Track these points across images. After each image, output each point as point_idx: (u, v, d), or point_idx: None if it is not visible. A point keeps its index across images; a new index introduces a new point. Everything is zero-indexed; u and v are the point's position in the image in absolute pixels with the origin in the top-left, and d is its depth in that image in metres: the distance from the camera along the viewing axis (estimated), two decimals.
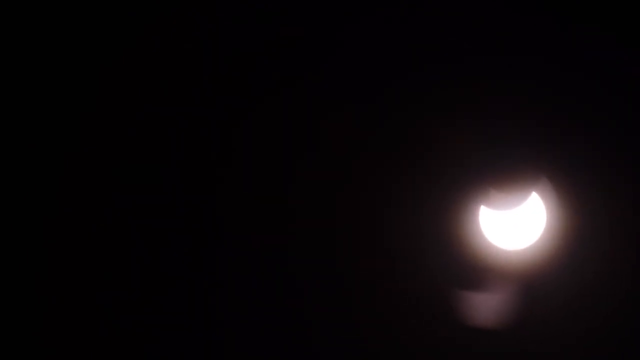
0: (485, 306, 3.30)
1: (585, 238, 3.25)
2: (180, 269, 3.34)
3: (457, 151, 3.18)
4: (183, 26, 3.12)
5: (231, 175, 3.27)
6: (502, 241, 3.23)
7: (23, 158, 3.22)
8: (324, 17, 3.13)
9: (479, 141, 3.17)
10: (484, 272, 3.25)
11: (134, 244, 3.31)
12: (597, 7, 3.07)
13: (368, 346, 3.41)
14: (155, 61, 3.15)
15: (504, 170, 3.15)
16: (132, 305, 3.35)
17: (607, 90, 3.16)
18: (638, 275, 3.31)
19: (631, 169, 3.24)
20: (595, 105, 3.18)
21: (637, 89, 3.16)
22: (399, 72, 3.16)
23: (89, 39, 3.13)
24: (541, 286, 3.29)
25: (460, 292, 3.30)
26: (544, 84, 3.15)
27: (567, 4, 3.08)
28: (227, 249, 3.34)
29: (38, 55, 3.14)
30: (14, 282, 3.31)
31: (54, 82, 3.17)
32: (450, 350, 3.38)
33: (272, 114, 3.21)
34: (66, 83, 3.17)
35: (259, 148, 3.25)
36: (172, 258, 3.33)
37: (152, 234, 3.30)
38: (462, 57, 3.14)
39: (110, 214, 3.28)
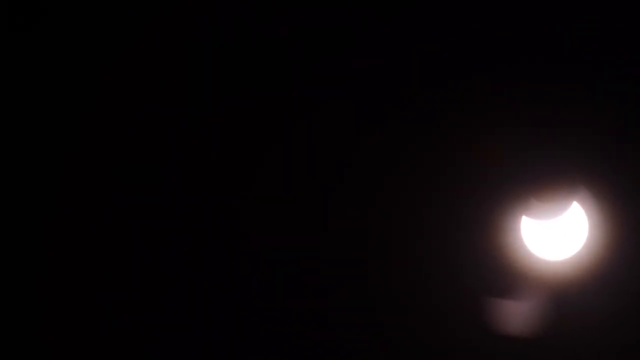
0: (526, 316, 3.28)
1: (628, 249, 3.22)
2: (180, 269, 3.34)
3: (498, 161, 3.16)
4: (183, 26, 3.11)
5: (231, 175, 3.27)
6: (544, 251, 3.20)
7: (23, 158, 3.22)
8: (325, 17, 3.13)
9: (520, 150, 3.15)
10: (525, 282, 3.23)
11: (134, 244, 3.31)
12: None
13: (400, 353, 3.40)
14: (155, 61, 3.15)
15: (545, 179, 3.13)
16: (132, 305, 3.35)
17: None
18: None
19: None
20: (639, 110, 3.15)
21: None
22: (431, 79, 3.16)
23: (89, 39, 3.13)
24: (583, 297, 3.26)
25: (501, 302, 3.28)
26: (584, 90, 3.13)
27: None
28: (227, 249, 3.34)
29: (38, 55, 3.14)
30: (14, 282, 3.31)
31: (54, 82, 3.17)
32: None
33: (272, 114, 3.21)
34: (66, 83, 3.17)
35: (259, 148, 3.25)
36: (172, 258, 3.33)
37: (152, 234, 3.30)
38: (499, 64, 3.13)
39: (110, 214, 3.28)
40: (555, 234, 3.19)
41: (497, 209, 3.19)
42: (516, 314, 3.28)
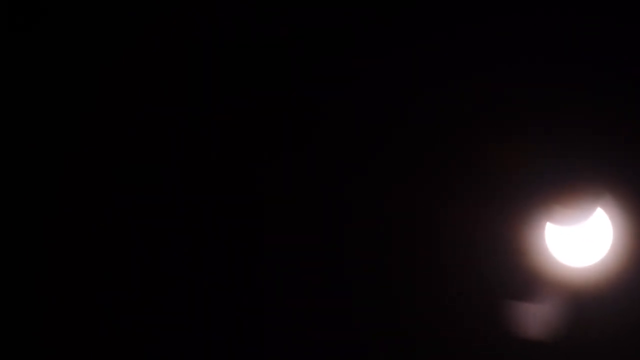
0: (549, 321, 3.27)
1: None
2: (180, 269, 3.34)
3: (522, 167, 3.15)
4: (183, 26, 3.12)
5: (231, 175, 3.27)
6: (568, 258, 3.19)
7: (23, 158, 3.22)
8: (325, 17, 3.13)
9: (544, 156, 3.14)
10: (549, 288, 3.22)
11: (134, 244, 3.31)
12: None
13: (420, 355, 3.39)
14: (155, 61, 3.15)
15: (569, 185, 3.12)
16: (132, 305, 3.35)
17: None
18: None
19: None
20: None
21: None
22: (431, 79, 3.15)
23: (89, 39, 3.13)
24: (606, 303, 3.25)
25: (525, 308, 3.26)
26: (608, 94, 3.12)
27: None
28: (227, 249, 3.34)
29: (38, 55, 3.14)
30: (14, 282, 3.31)
31: (54, 82, 3.17)
32: None
33: (272, 114, 3.21)
34: (66, 83, 3.17)
35: (258, 148, 3.25)
36: (172, 258, 3.33)
37: (152, 234, 3.30)
38: (499, 64, 3.12)
39: (110, 214, 3.28)
40: (579, 240, 3.18)
41: (521, 216, 3.18)
42: (539, 319, 3.27)
